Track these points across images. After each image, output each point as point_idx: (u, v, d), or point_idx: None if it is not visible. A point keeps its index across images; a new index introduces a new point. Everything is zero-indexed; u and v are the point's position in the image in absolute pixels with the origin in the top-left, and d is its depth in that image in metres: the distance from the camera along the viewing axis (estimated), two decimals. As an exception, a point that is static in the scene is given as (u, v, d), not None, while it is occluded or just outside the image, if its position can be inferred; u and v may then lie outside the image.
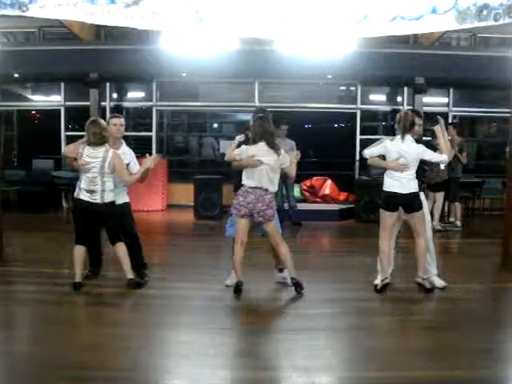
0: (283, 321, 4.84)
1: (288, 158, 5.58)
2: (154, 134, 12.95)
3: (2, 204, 7.31)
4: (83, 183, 5.48)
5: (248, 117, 6.65)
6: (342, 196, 11.85)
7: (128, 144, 6.10)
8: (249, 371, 3.80)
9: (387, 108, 13.08)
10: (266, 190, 5.47)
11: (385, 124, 13.46)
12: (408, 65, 11.15)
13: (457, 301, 5.41)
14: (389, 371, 3.77)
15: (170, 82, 12.83)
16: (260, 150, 5.43)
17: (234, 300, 5.33)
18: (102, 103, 12.42)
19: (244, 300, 5.35)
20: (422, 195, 5.65)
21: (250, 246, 5.73)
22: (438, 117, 5.79)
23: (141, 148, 12.25)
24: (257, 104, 12.11)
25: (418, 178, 5.49)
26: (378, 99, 13.41)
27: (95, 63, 11.44)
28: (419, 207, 5.51)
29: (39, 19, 6.95)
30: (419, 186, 5.52)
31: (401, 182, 5.42)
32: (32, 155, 12.35)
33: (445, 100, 12.90)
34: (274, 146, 5.46)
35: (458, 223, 9.83)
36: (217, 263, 6.82)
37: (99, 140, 5.45)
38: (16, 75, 11.65)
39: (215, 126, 14.33)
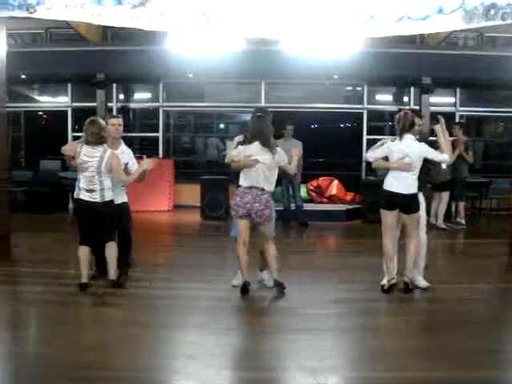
0: (289, 321, 4.84)
1: (284, 155, 5.57)
2: (160, 134, 12.96)
3: (10, 204, 7.35)
4: (82, 183, 5.50)
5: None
6: (349, 196, 11.82)
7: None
8: (255, 372, 3.79)
9: (394, 108, 13.03)
10: (263, 189, 5.46)
11: (391, 124, 13.39)
12: (415, 65, 11.11)
13: (464, 301, 5.39)
14: (396, 372, 3.76)
15: (176, 83, 12.84)
16: (255, 149, 5.43)
17: (240, 300, 5.34)
18: (109, 104, 12.44)
19: (250, 300, 5.36)
20: (421, 197, 5.63)
21: (253, 247, 5.74)
22: (439, 116, 5.79)
23: (147, 149, 12.30)
24: (263, 104, 12.11)
25: (421, 177, 5.49)
26: (385, 99, 13.37)
27: (102, 64, 11.48)
28: (416, 209, 5.51)
29: (46, 20, 6.99)
30: (419, 186, 5.51)
31: (403, 182, 5.41)
32: (39, 156, 12.40)
33: (452, 100, 12.85)
34: (269, 145, 5.45)
35: (462, 221, 9.83)
36: (223, 263, 6.82)
37: (97, 140, 5.48)
38: (23, 76, 11.71)
39: (221, 126, 14.34)
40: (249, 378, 3.75)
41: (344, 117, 13.78)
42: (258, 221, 5.48)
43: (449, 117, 11.73)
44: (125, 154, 5.84)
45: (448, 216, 9.92)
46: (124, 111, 12.92)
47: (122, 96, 13.27)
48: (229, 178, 10.84)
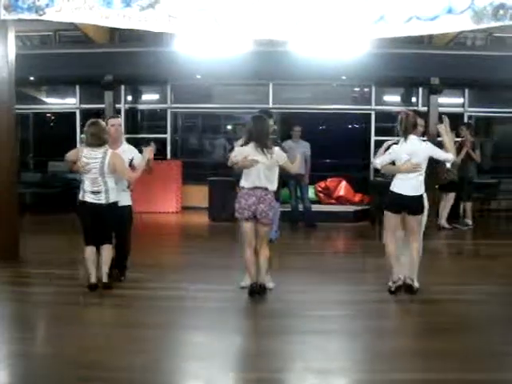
0: (296, 323, 4.82)
1: (283, 155, 5.53)
2: (168, 136, 12.99)
3: (19, 206, 7.38)
4: (86, 185, 5.50)
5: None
6: (357, 197, 11.78)
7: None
8: (262, 373, 3.78)
9: (402, 109, 12.98)
10: (266, 188, 5.44)
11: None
12: (423, 65, 11.06)
13: (472, 302, 5.36)
14: (404, 373, 3.74)
15: (184, 85, 12.88)
16: (252, 150, 5.41)
17: (248, 302, 5.33)
18: (117, 105, 12.48)
19: (258, 302, 5.35)
20: (425, 199, 5.62)
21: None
22: (443, 115, 5.78)
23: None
24: (271, 106, 12.11)
25: (427, 177, 5.49)
26: (393, 100, 13.34)
27: (110, 66, 11.51)
28: (421, 210, 5.50)
29: (55, 23, 7.02)
30: (425, 186, 5.50)
31: (411, 184, 5.39)
32: (48, 158, 12.44)
33: (460, 100, 12.80)
34: (264, 146, 5.43)
35: (469, 222, 9.79)
36: (231, 265, 6.81)
37: (97, 141, 5.49)
38: (32, 78, 11.76)
39: (229, 127, 14.35)
40: (256, 380, 3.73)
41: (352, 118, 13.75)
42: (262, 222, 5.45)
43: (457, 117, 11.74)
44: (126, 151, 5.84)
45: (456, 216, 9.89)
46: (132, 113, 12.97)
47: (130, 97, 13.32)
48: (237, 179, 10.86)
